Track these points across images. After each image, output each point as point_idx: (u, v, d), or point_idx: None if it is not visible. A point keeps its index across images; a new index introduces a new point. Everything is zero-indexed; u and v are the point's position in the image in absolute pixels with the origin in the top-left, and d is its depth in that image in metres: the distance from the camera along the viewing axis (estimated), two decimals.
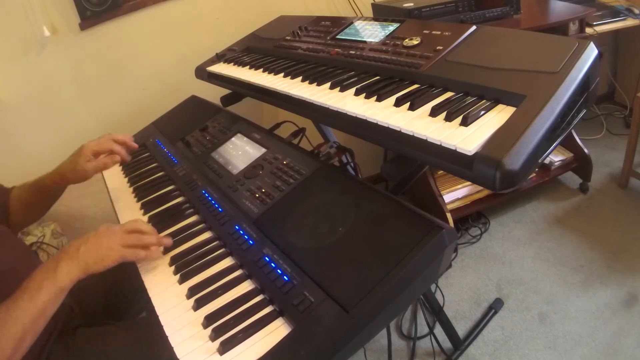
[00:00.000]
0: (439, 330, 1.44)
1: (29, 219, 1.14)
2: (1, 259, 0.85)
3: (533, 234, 1.83)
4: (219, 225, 0.90)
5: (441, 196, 1.75)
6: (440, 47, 0.92)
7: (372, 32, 1.12)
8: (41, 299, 0.72)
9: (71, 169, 1.04)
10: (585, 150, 1.92)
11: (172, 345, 0.67)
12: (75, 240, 0.80)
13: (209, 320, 0.69)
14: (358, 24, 1.20)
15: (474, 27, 0.94)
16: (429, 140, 0.71)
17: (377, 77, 0.97)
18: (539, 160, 0.68)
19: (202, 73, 1.47)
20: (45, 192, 1.08)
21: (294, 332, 0.64)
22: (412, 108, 0.80)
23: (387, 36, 1.07)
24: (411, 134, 0.74)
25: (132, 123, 1.58)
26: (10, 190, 1.08)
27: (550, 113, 0.66)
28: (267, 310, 0.70)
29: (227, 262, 0.82)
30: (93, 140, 1.08)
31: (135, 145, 1.14)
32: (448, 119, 0.73)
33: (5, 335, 0.68)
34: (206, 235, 0.91)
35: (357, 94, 0.91)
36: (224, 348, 0.64)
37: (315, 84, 1.02)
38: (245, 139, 1.15)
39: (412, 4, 1.48)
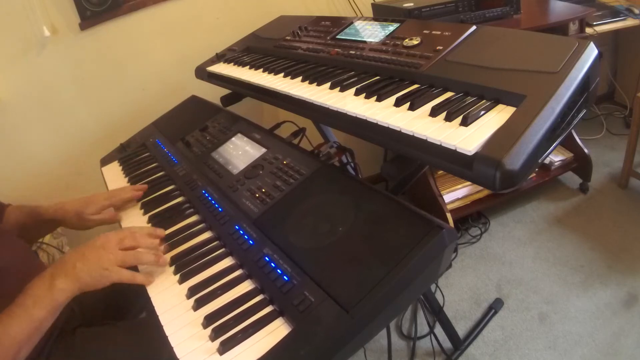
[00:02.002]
0: (439, 330, 1.44)
1: None
2: (1, 258, 0.85)
3: (533, 234, 1.83)
4: (219, 225, 0.90)
5: (441, 196, 1.75)
6: (440, 47, 0.92)
7: (372, 32, 1.12)
8: (37, 315, 0.70)
9: (76, 213, 1.02)
10: (585, 150, 1.92)
11: (172, 345, 0.67)
12: (73, 252, 0.78)
13: (209, 320, 0.69)
14: (358, 24, 1.20)
15: (474, 27, 0.94)
16: (429, 140, 0.71)
17: (377, 77, 0.97)
18: (539, 160, 0.68)
19: (202, 73, 1.46)
20: (41, 222, 1.05)
21: (294, 332, 0.64)
22: (412, 108, 0.80)
23: (387, 36, 1.07)
24: (411, 134, 0.74)
25: (132, 123, 1.58)
26: (6, 207, 1.06)
27: (550, 113, 0.66)
28: (267, 310, 0.70)
29: (227, 262, 0.82)
30: (104, 193, 1.08)
31: (144, 188, 1.11)
32: (448, 119, 0.73)
33: (1, 351, 0.67)
34: (206, 235, 0.91)
35: (357, 94, 0.91)
36: (223, 348, 0.64)
37: (315, 84, 1.02)
38: (245, 138, 1.15)
39: (412, 4, 1.48)
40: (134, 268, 0.82)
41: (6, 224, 1.02)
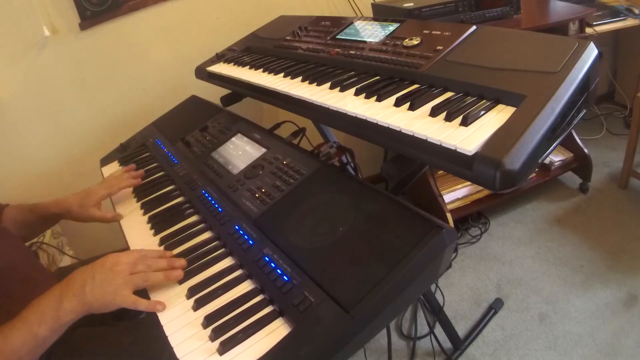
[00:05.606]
0: (439, 330, 1.44)
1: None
2: (1, 258, 0.85)
3: (533, 234, 1.83)
4: (219, 225, 0.90)
5: (441, 196, 1.76)
6: (440, 47, 0.92)
7: (372, 32, 1.12)
8: (41, 334, 0.70)
9: (79, 204, 1.05)
10: (585, 150, 1.92)
11: (172, 345, 0.67)
12: (82, 271, 0.76)
13: (208, 320, 0.69)
14: (358, 24, 1.20)
15: (474, 27, 0.94)
16: (429, 140, 0.71)
17: (377, 77, 0.97)
18: (539, 161, 0.68)
19: (202, 73, 1.46)
20: (43, 218, 1.08)
21: (294, 332, 0.64)
22: (412, 108, 0.80)
23: (387, 36, 1.07)
24: (411, 134, 0.74)
25: (132, 123, 1.58)
26: (4, 207, 1.06)
27: (550, 113, 0.66)
28: (267, 310, 0.70)
29: (227, 262, 0.82)
30: (101, 185, 1.10)
31: (141, 174, 1.17)
32: (448, 119, 0.73)
33: None
34: (206, 235, 0.91)
35: (357, 94, 0.91)
36: (223, 348, 0.64)
37: (315, 84, 1.02)
38: (245, 138, 1.15)
39: (412, 4, 1.48)
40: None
41: (5, 224, 1.02)
